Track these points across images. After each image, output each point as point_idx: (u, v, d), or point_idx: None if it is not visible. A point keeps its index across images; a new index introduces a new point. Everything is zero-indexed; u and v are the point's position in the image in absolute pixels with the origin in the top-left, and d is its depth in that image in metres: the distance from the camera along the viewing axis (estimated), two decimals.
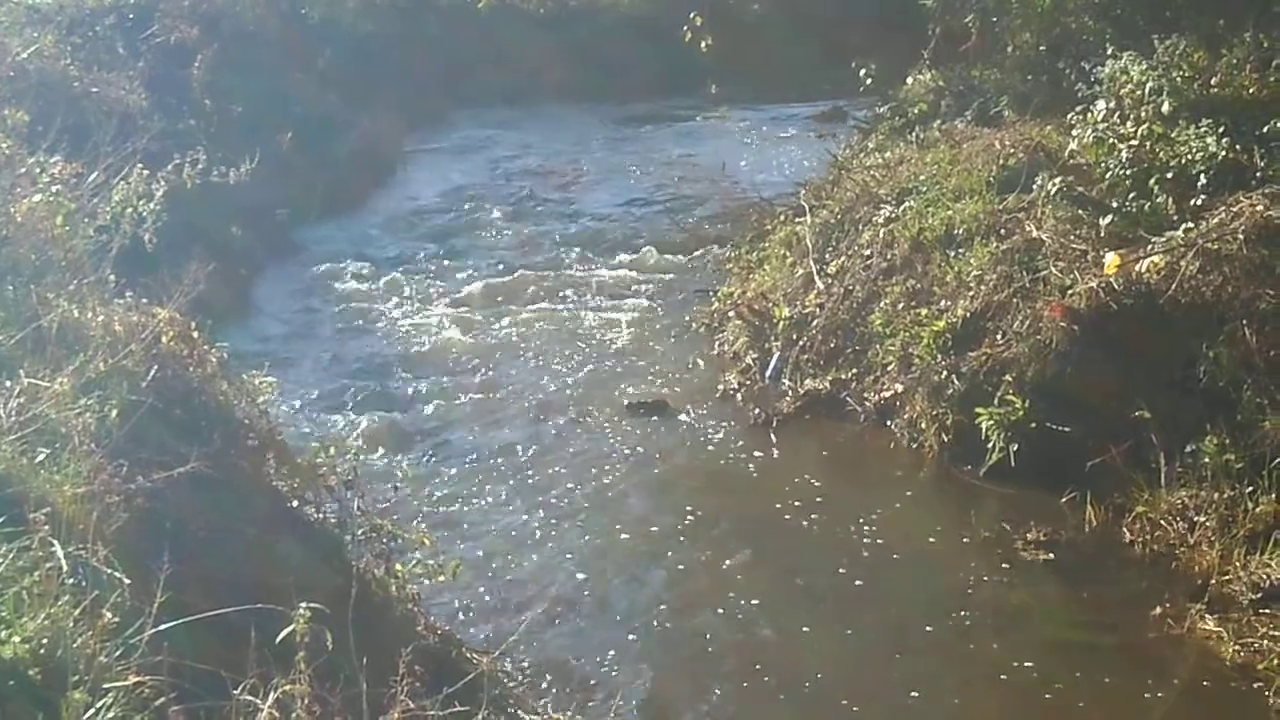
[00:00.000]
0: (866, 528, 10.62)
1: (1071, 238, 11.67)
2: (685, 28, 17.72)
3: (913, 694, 8.56)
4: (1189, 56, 12.66)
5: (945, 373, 11.49)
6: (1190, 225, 11.00)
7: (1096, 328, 10.84)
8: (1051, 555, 10.01)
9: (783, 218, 16.17)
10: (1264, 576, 9.08)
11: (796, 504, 11.09)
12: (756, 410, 12.68)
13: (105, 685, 4.37)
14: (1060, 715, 8.26)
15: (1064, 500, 10.45)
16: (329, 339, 15.03)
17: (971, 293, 11.87)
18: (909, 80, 17.93)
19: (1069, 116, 12.82)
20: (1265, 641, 8.67)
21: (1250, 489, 9.58)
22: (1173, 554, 9.68)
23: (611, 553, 10.40)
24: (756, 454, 12.03)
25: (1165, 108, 11.85)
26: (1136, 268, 10.93)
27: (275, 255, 17.42)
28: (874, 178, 14.90)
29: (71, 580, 4.68)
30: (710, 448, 12.24)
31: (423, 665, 5.41)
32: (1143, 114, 11.91)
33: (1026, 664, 8.78)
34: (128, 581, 4.87)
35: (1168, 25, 13.34)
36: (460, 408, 13.08)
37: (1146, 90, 12.06)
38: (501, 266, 17.46)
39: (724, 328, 14.65)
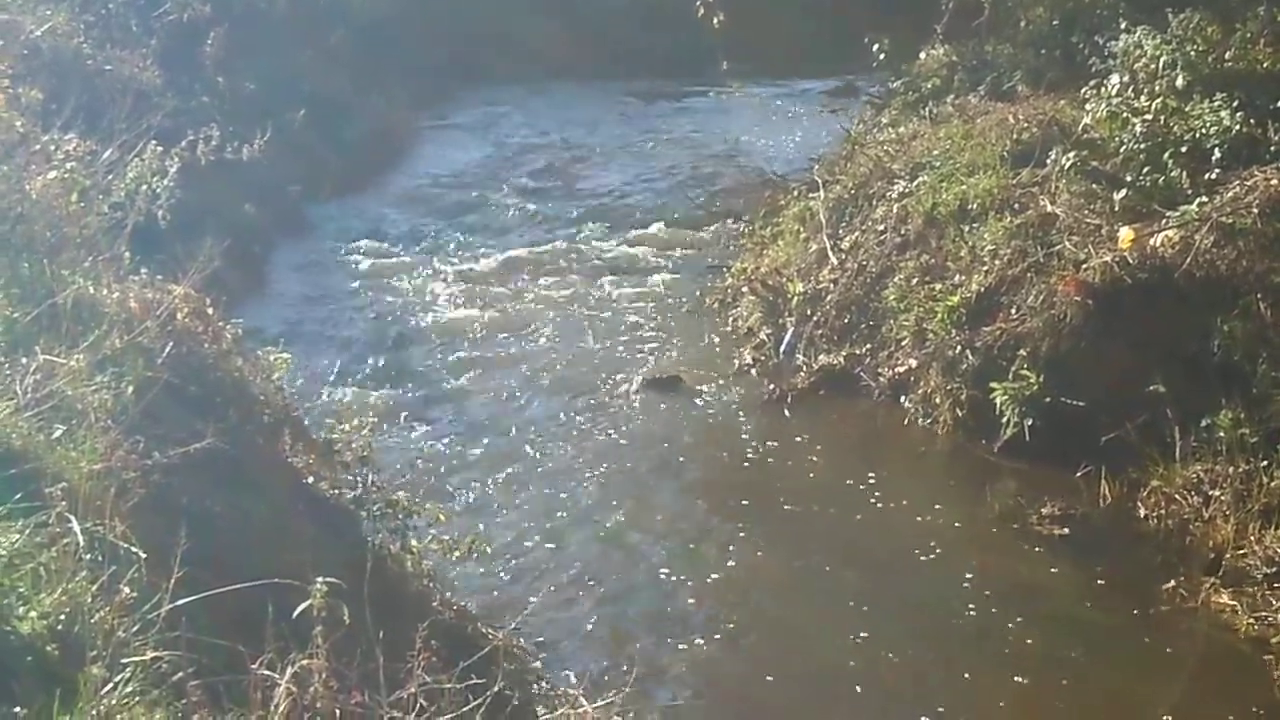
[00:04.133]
0: (880, 503, 10.65)
1: (1085, 212, 11.66)
2: (697, 4, 17.66)
3: (926, 669, 8.59)
4: (1203, 30, 12.58)
5: (959, 348, 11.49)
6: (1204, 199, 10.97)
7: (1111, 302, 10.83)
8: (1066, 530, 10.02)
9: (796, 193, 16.14)
10: (1278, 550, 9.09)
11: (810, 480, 11.11)
12: (771, 386, 12.69)
13: (123, 660, 4.37)
14: (1075, 690, 8.27)
15: (1078, 475, 10.46)
16: (343, 315, 15.02)
17: (985, 267, 11.85)
18: (922, 55, 17.81)
19: (1083, 91, 12.79)
20: (1279, 615, 8.69)
21: (1265, 463, 9.59)
22: (1187, 528, 9.69)
23: (626, 529, 10.42)
24: (770, 430, 12.04)
25: (1179, 81, 11.82)
26: (1151, 242, 10.92)
27: (288, 232, 17.41)
28: (887, 153, 14.87)
29: (88, 556, 4.67)
30: (724, 424, 12.25)
31: (439, 640, 5.43)
32: (1157, 88, 11.89)
33: (1041, 639, 8.80)
34: (144, 557, 4.87)
35: None
36: (475, 384, 13.08)
37: (1160, 64, 12.02)
38: (514, 243, 17.44)
39: (738, 303, 14.64)
